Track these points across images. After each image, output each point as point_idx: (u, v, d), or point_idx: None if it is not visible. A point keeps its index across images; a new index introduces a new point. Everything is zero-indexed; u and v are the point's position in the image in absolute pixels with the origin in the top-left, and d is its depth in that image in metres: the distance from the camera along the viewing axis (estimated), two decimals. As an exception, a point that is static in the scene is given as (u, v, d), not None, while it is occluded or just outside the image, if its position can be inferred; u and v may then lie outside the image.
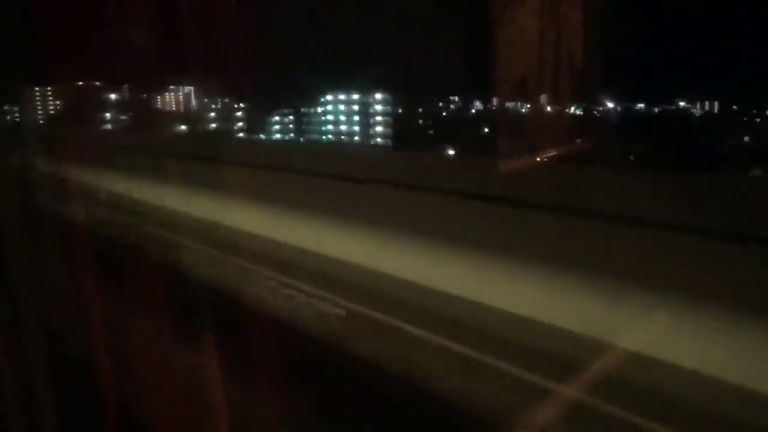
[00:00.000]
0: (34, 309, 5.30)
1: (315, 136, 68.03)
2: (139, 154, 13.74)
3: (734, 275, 4.55)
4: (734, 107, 57.09)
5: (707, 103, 59.11)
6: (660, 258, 5.05)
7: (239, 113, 71.59)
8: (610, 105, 58.48)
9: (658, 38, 70.61)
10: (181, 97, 73.69)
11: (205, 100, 72.19)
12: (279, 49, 73.80)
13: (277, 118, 70.30)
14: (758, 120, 54.18)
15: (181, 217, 10.66)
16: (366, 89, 65.53)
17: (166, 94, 73.09)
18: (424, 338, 5.40)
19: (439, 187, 7.16)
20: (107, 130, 49.34)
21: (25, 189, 13.22)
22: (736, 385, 4.15)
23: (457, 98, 68.13)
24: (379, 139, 64.63)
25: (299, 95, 69.98)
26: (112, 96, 70.85)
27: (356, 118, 66.55)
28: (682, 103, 60.55)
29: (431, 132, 63.24)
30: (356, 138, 65.07)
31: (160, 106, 73.57)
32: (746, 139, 52.37)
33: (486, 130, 55.32)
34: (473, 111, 66.42)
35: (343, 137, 65.88)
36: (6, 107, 46.49)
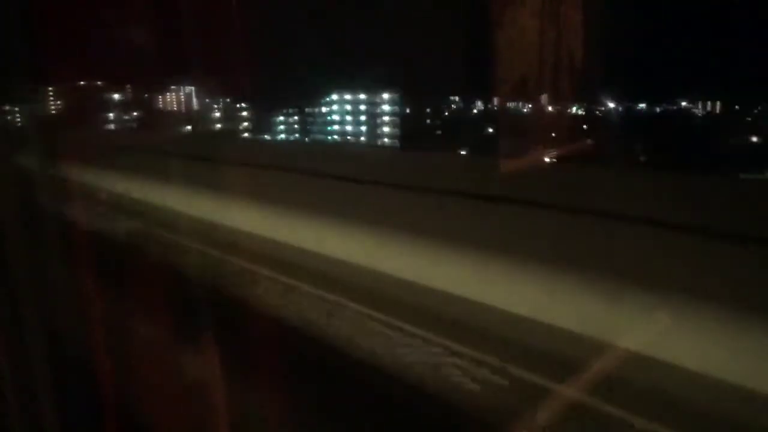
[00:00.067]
0: (35, 309, 5.31)
1: (320, 137, 67.79)
2: (141, 154, 13.76)
3: (734, 275, 4.55)
4: (736, 107, 57.01)
5: (709, 103, 59.06)
6: (660, 258, 5.05)
7: (242, 113, 71.61)
8: (612, 105, 58.53)
9: (660, 38, 70.64)
10: (183, 97, 73.75)
11: (207, 100, 72.27)
12: (281, 48, 73.96)
13: (281, 118, 70.21)
14: (760, 120, 54.10)
15: (182, 218, 10.66)
16: (366, 89, 65.41)
17: (168, 94, 73.20)
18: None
19: (444, 188, 7.15)
20: (109, 130, 49.47)
21: (26, 189, 13.24)
22: (736, 385, 4.15)
23: (457, 98, 68.19)
24: (386, 140, 64.43)
25: (302, 95, 70.09)
26: (114, 96, 71.01)
27: (362, 118, 66.31)
28: (683, 103, 60.51)
29: (439, 132, 63.08)
30: (362, 138, 64.91)
31: (162, 106, 73.68)
32: (748, 139, 52.30)
33: (490, 130, 55.18)
34: (474, 111, 66.39)
35: (348, 137, 65.73)
36: (7, 107, 46.65)
